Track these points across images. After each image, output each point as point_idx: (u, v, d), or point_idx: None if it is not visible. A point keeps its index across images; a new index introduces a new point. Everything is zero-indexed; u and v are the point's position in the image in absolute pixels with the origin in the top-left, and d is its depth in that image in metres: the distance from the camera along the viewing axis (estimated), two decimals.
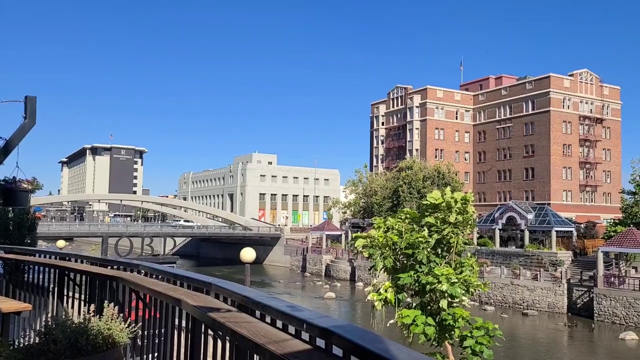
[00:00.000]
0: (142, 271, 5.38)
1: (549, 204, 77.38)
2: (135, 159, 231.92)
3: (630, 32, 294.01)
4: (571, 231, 60.70)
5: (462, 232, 10.32)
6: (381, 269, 10.49)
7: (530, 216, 62.49)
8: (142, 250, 42.54)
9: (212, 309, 2.99)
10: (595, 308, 44.03)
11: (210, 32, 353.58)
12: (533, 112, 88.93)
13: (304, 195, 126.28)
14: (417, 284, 9.87)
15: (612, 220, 65.71)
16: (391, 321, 10.44)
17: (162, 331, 4.40)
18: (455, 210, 10.03)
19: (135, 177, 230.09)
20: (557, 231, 59.36)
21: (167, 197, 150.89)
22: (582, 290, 46.59)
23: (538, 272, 50.74)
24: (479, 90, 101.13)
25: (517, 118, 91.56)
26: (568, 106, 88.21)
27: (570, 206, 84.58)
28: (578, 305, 46.51)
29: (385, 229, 10.63)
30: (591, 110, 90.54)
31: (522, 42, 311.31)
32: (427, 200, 10.29)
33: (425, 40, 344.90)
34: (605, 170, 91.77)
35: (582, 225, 66.10)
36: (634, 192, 58.25)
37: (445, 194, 10.26)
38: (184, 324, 3.93)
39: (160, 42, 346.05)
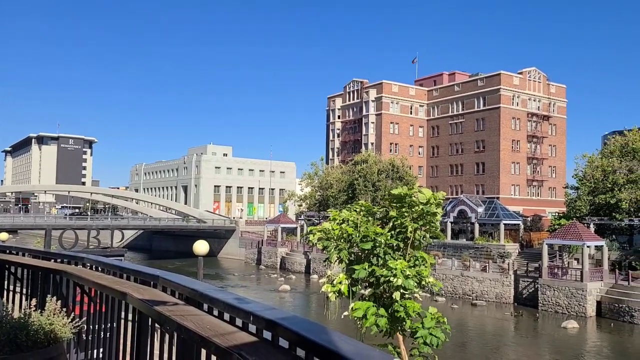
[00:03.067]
0: (87, 264, 5.20)
1: (498, 197, 79.86)
2: (84, 149, 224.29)
3: (576, 32, 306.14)
4: (518, 224, 62.87)
5: (429, 228, 10.46)
6: (336, 261, 10.55)
7: (481, 210, 64.33)
8: (88, 243, 41.27)
9: (158, 302, 2.92)
10: (539, 298, 45.84)
11: (165, 28, 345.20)
12: (484, 108, 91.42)
13: (260, 188, 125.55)
14: (371, 277, 9.98)
15: (557, 214, 68.41)
16: (345, 313, 10.54)
17: (108, 326, 4.27)
18: (421, 207, 10.15)
19: (84, 168, 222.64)
20: (505, 224, 61.36)
21: (118, 188, 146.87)
22: (527, 281, 48.39)
23: (487, 264, 52.35)
24: (433, 86, 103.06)
25: (469, 114, 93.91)
26: (517, 103, 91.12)
27: (518, 200, 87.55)
28: (524, 296, 48.29)
29: (340, 221, 10.69)
30: (539, 107, 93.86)
31: (475, 38, 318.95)
32: (395, 191, 10.36)
33: (381, 35, 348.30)
34: (551, 165, 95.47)
35: (528, 219, 68.53)
36: (577, 187, 60.72)
37: (412, 189, 10.38)
38: (130, 317, 3.83)
39: (115, 35, 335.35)
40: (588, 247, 45.65)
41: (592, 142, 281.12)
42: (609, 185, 55.20)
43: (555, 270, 46.57)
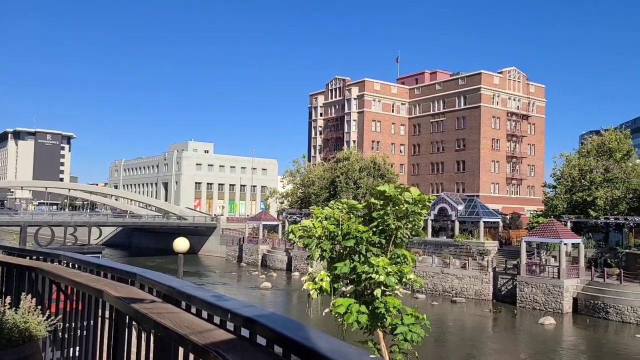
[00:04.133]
0: (64, 261, 5.12)
1: (478, 195, 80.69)
2: (62, 145, 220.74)
3: (554, 33, 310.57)
4: (498, 222, 63.62)
5: (413, 227, 10.50)
6: (318, 259, 10.56)
7: (461, 207, 64.93)
8: (64, 239, 40.59)
9: (135, 299, 2.88)
10: (518, 295, 46.49)
11: (149, 26, 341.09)
12: (465, 107, 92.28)
13: (241, 185, 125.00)
14: (353, 273, 10.01)
15: (535, 212, 69.38)
16: (326, 310, 10.55)
17: (85, 324, 4.21)
18: (406, 206, 10.17)
19: (62, 164, 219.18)
20: (485, 222, 62.02)
21: (97, 185, 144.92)
22: (506, 278, 49.03)
23: (467, 261, 52.90)
24: (415, 85, 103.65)
25: (450, 112, 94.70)
26: (497, 102, 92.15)
27: (497, 198, 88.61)
28: (502, 292, 48.92)
29: (323, 218, 10.68)
30: (518, 107, 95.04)
31: (457, 37, 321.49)
32: (381, 188, 10.36)
33: (364, 33, 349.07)
34: (530, 164, 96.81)
35: (507, 217, 69.40)
36: (555, 186, 61.66)
37: (398, 188, 10.40)
38: (107, 315, 3.78)
39: (94, 32, 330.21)
40: (565, 244, 46.42)
41: (570, 142, 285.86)
42: (586, 184, 56.18)
43: (533, 268, 47.28)
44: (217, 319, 2.38)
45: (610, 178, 55.52)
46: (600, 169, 56.65)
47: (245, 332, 2.09)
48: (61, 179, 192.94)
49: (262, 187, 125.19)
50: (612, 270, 45.18)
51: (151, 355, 2.83)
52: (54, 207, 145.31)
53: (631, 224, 52.04)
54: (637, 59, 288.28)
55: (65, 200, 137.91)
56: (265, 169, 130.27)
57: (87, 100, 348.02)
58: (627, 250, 48.43)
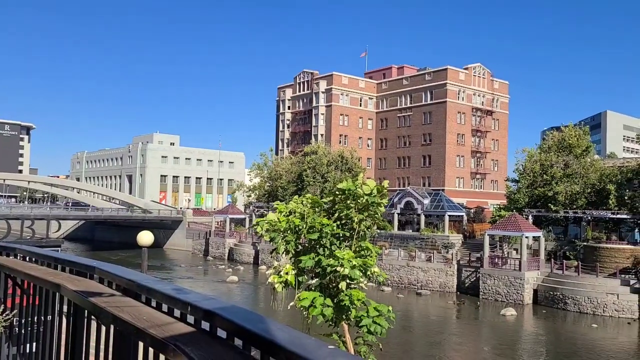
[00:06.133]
0: (20, 255, 4.97)
1: (443, 189, 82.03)
2: (21, 136, 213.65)
3: (519, 29, 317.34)
4: (462, 216, 64.86)
5: (374, 218, 10.59)
6: (283, 252, 10.57)
7: (426, 201, 65.89)
8: (21, 233, 39.48)
9: (94, 293, 2.82)
10: (481, 287, 47.58)
11: (113, 19, 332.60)
12: (431, 102, 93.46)
13: (208, 178, 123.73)
14: (318, 267, 10.06)
15: (498, 206, 70.97)
16: (291, 303, 10.58)
17: (42, 318, 4.11)
18: (365, 198, 10.25)
19: (22, 155, 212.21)
20: (449, 215, 63.14)
21: (58, 177, 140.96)
22: (470, 271, 50.09)
23: (432, 254, 53.79)
24: (382, 79, 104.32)
25: (416, 107, 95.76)
26: (462, 98, 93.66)
27: (462, 192, 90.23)
28: (466, 285, 49.97)
29: (287, 212, 10.70)
30: (482, 102, 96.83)
31: (425, 32, 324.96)
32: (340, 185, 10.43)
33: (332, 27, 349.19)
34: (494, 159, 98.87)
35: (472, 210, 70.81)
36: (517, 180, 63.15)
37: (357, 180, 10.47)
38: (66, 310, 3.70)
39: (57, 22, 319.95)
40: (526, 237, 47.69)
41: (532, 137, 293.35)
42: (547, 179, 57.74)
43: (496, 260, 48.43)
44: (177, 313, 2.35)
45: (569, 173, 57.20)
46: (560, 164, 58.29)
47: (206, 325, 2.07)
48: (20, 171, 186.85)
49: (229, 180, 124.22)
50: (571, 263, 46.68)
51: (110, 349, 2.78)
52: (13, 200, 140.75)
53: (589, 218, 53.85)
54: (597, 56, 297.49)
55: (25, 193, 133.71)
56: (232, 162, 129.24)
57: (48, 90, 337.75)
58: (584, 243, 50.12)
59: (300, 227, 10.30)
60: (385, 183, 10.89)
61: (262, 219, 11.14)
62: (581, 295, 41.96)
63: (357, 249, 10.42)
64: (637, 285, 40.71)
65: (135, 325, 2.13)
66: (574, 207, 55.18)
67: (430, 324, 39.79)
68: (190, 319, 2.17)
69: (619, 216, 51.62)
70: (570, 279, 43.97)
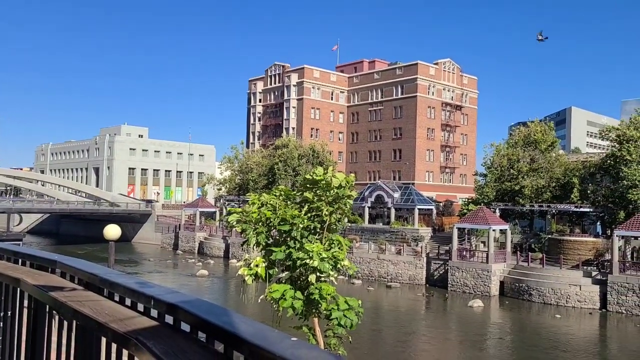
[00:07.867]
0: None
1: (413, 183, 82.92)
2: None
3: (489, 26, 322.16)
4: (432, 209, 65.72)
5: (343, 211, 10.63)
6: (254, 245, 10.53)
7: (397, 195, 66.53)
8: None
9: (55, 287, 2.75)
10: (449, 279, 48.38)
11: (82, 10, 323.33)
12: (402, 96, 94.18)
13: (178, 171, 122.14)
14: (288, 259, 10.06)
15: (467, 200, 72.14)
16: (262, 296, 10.55)
17: (1, 314, 3.98)
18: (334, 190, 10.28)
19: None
20: (419, 209, 63.92)
21: (21, 169, 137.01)
22: (439, 263, 50.87)
23: (402, 247, 54.38)
24: (354, 73, 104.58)
25: (387, 102, 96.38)
26: (433, 93, 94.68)
27: (431, 186, 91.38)
28: (435, 277, 50.74)
29: (260, 204, 10.65)
30: (452, 97, 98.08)
31: (397, 25, 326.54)
32: (309, 175, 10.43)
33: (304, 19, 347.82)
34: (463, 153, 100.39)
35: (441, 204, 71.81)
36: (485, 174, 64.28)
37: (327, 172, 10.49)
38: (26, 305, 3.59)
39: (19, 10, 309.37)
40: (494, 230, 48.67)
41: (500, 132, 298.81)
42: (514, 173, 58.95)
43: (464, 253, 49.30)
44: (141, 307, 2.31)
45: (535, 168, 58.51)
46: (526, 159, 59.55)
47: (168, 319, 2.04)
48: None
49: (199, 173, 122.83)
50: (536, 255, 47.88)
51: (72, 345, 2.72)
52: None
53: (553, 211, 55.27)
54: (564, 53, 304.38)
55: None
56: (202, 155, 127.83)
57: (12, 81, 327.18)
58: (549, 236, 51.45)
59: (271, 219, 10.28)
60: (352, 176, 10.93)
61: (234, 209, 11.08)
62: (545, 287, 43.08)
63: (328, 242, 10.46)
64: (598, 277, 42.02)
65: (96, 319, 2.08)
66: (540, 200, 56.51)
67: (400, 316, 40.29)
68: (154, 313, 2.14)
69: (582, 210, 53.11)
70: (535, 270, 45.09)
